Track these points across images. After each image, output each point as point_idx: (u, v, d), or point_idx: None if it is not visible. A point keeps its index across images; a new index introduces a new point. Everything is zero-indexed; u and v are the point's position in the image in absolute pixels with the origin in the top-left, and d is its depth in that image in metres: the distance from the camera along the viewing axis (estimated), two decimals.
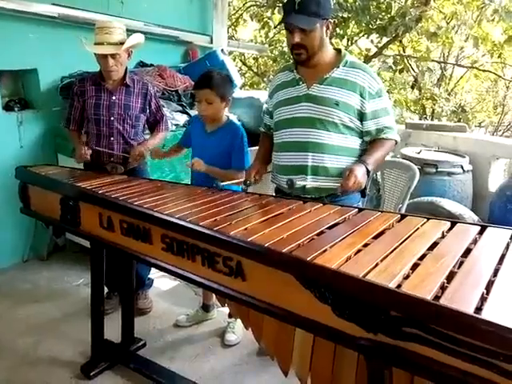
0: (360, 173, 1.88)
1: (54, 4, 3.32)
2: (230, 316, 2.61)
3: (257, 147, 2.33)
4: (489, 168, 3.86)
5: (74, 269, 3.43)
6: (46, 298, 3.06)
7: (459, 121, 6.99)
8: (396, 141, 2.10)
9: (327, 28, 2.00)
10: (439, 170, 3.65)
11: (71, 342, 2.56)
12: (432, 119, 7.31)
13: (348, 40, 7.04)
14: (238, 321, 2.44)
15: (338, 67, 2.01)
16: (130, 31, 2.60)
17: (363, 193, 2.17)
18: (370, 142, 2.07)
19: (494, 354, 0.94)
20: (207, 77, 2.34)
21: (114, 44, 2.46)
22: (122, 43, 2.48)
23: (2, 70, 3.27)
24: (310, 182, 2.01)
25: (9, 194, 2.91)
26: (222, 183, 2.11)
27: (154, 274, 3.06)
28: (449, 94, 7.69)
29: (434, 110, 7.47)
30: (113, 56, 2.47)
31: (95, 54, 2.48)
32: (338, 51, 2.09)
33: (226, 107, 2.44)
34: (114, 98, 2.59)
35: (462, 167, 3.69)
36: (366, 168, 1.92)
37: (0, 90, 3.31)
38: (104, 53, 2.45)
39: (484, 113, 8.91)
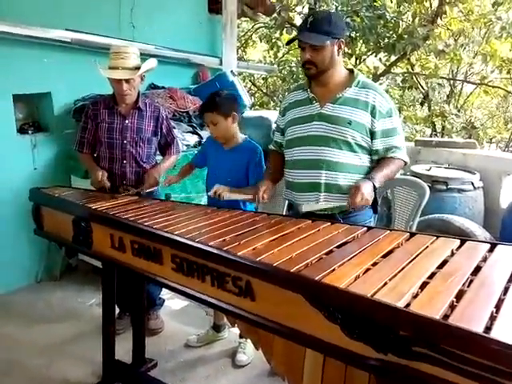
0: (367, 189, 1.91)
1: (67, 29, 3.41)
2: (240, 336, 2.61)
3: None
4: (500, 184, 3.84)
5: (87, 289, 3.45)
6: (58, 318, 3.08)
7: (469, 137, 6.97)
8: (405, 161, 2.12)
9: (339, 47, 2.04)
10: (450, 186, 3.62)
11: (83, 362, 2.57)
12: (442, 136, 7.30)
13: (356, 59, 7.11)
14: (249, 341, 2.43)
15: (351, 87, 2.05)
16: (141, 55, 2.64)
17: (375, 208, 2.17)
18: (378, 160, 2.10)
19: (503, 374, 0.93)
20: (209, 100, 2.39)
21: (129, 69, 2.49)
22: (136, 68, 2.51)
23: (17, 94, 3.35)
24: (321, 202, 2.04)
25: (23, 215, 2.96)
26: (228, 195, 2.17)
27: (165, 294, 3.06)
28: (458, 111, 7.68)
29: (443, 126, 7.46)
30: (127, 81, 2.50)
31: (109, 78, 2.52)
32: (351, 71, 2.13)
33: (234, 123, 2.42)
34: (126, 121, 2.62)
35: (472, 184, 3.66)
36: (373, 184, 1.95)
37: (15, 113, 3.38)
38: (120, 78, 2.48)
39: (494, 129, 8.88)
